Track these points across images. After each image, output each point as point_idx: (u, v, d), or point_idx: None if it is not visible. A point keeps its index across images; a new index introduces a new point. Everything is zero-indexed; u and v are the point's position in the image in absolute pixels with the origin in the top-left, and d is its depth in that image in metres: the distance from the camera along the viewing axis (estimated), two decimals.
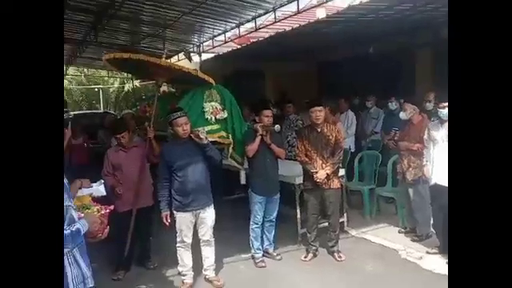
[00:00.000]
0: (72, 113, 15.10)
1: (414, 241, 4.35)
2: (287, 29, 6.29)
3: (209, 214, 3.50)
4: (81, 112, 16.61)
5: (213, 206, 3.55)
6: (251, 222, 4.01)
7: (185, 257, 3.54)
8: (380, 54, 7.67)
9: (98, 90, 21.10)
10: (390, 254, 4.11)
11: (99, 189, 2.16)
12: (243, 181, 4.48)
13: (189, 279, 3.56)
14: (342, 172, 4.52)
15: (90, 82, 20.80)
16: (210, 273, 3.64)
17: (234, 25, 7.22)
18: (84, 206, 2.02)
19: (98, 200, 2.15)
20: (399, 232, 4.68)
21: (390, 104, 6.10)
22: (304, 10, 5.66)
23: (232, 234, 4.47)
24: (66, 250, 1.79)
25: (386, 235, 4.62)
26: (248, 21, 6.86)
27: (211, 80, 3.92)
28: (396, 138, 4.74)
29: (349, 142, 6.14)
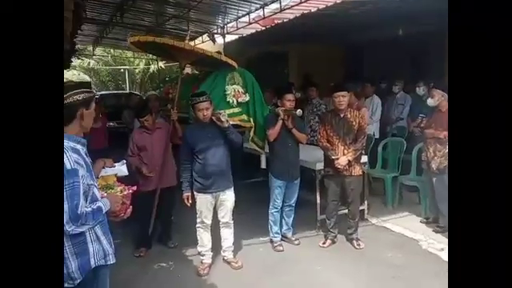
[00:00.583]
0: (98, 93, 15.43)
1: (436, 232, 4.26)
2: (313, 10, 6.11)
3: (228, 197, 3.53)
4: (107, 92, 16.93)
5: (233, 188, 3.57)
6: (270, 206, 4.02)
7: (204, 237, 3.60)
8: (409, 37, 7.37)
9: (124, 71, 21.40)
10: (410, 244, 4.05)
11: (121, 169, 2.19)
12: (264, 165, 4.49)
13: (207, 259, 3.63)
14: (364, 159, 4.44)
15: (116, 63, 21.08)
16: (228, 254, 3.70)
17: (258, 6, 7.09)
18: (108, 186, 2.07)
19: (121, 180, 2.19)
20: (421, 222, 4.59)
21: (417, 89, 5.92)
22: None
23: (251, 217, 4.51)
24: (87, 227, 1.84)
25: (407, 225, 4.54)
26: (273, 1, 6.72)
27: (234, 63, 3.90)
28: (422, 126, 4.60)
29: (373, 128, 6.01)
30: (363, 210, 4.66)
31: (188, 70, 5.86)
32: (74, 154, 1.82)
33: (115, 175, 2.14)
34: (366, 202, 4.74)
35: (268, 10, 7.03)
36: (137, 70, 20.88)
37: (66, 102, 1.86)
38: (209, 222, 3.56)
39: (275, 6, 6.60)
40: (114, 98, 13.83)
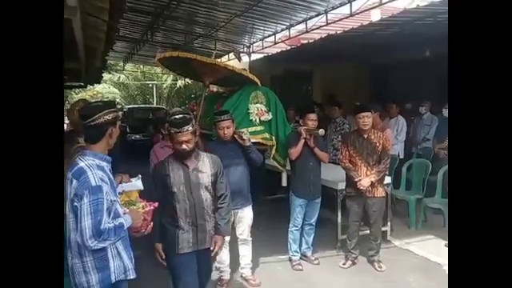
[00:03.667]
0: (127, 106, 15.86)
1: None
2: (339, 31, 6.18)
3: (246, 214, 3.56)
4: (135, 106, 17.40)
5: (251, 206, 3.59)
6: (291, 225, 4.01)
7: (223, 254, 3.61)
8: (437, 58, 7.29)
9: (152, 86, 22.06)
10: (434, 269, 3.93)
11: (137, 184, 2.26)
12: (285, 183, 4.50)
13: (226, 275, 3.64)
14: (387, 179, 4.38)
15: (145, 78, 21.79)
16: (246, 271, 3.70)
17: (284, 26, 7.23)
18: (130, 202, 2.13)
19: (143, 195, 2.26)
20: (446, 246, 4.45)
21: (444, 111, 5.81)
22: (357, 13, 5.54)
23: (271, 234, 4.50)
24: (108, 243, 1.90)
25: (431, 248, 4.41)
26: (299, 23, 6.84)
27: (257, 80, 3.96)
28: None
29: (398, 148, 5.94)
30: (386, 231, 4.57)
31: (213, 87, 5.99)
32: (99, 171, 1.89)
33: (138, 191, 2.21)
34: (389, 224, 4.66)
35: (294, 30, 7.14)
36: (164, 85, 21.46)
37: (96, 121, 1.94)
38: (227, 238, 3.59)
39: (301, 26, 6.71)
40: (141, 112, 14.17)
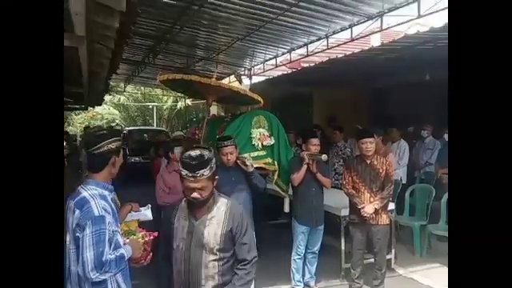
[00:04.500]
0: (127, 128, 15.83)
1: None
2: (340, 55, 6.24)
3: None
4: (135, 128, 17.37)
5: (254, 234, 3.50)
6: (293, 253, 3.92)
7: None
8: (437, 83, 7.33)
9: (153, 107, 22.16)
10: None
11: (146, 213, 2.21)
12: (287, 209, 4.42)
13: None
14: (391, 206, 4.31)
15: (145, 99, 21.91)
16: None
17: (285, 50, 7.31)
18: (130, 232, 2.07)
19: (144, 225, 2.20)
20: None
21: (446, 135, 5.79)
22: (357, 38, 5.59)
23: (273, 262, 4.38)
24: (109, 275, 1.84)
25: (436, 277, 4.29)
26: (300, 47, 6.92)
27: (259, 98, 3.95)
28: None
29: (400, 173, 5.88)
30: (390, 259, 4.46)
31: (214, 111, 6.00)
32: (101, 201, 1.85)
33: (138, 220, 2.15)
34: (393, 251, 4.55)
35: (295, 53, 7.21)
36: (164, 107, 21.55)
37: (100, 150, 1.91)
38: None
39: (302, 50, 6.78)
40: (141, 134, 14.09)
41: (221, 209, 1.99)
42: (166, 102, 21.13)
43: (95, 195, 1.85)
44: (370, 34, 5.56)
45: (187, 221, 1.97)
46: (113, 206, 1.94)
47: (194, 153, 1.90)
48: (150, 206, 2.27)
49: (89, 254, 1.75)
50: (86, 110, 16.26)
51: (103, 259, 1.77)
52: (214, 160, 1.93)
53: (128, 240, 2.02)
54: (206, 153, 1.92)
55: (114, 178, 2.01)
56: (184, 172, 1.88)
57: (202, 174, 1.86)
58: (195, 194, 1.88)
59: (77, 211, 1.81)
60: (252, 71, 9.43)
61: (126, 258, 1.92)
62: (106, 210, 1.84)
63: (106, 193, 1.93)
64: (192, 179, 1.86)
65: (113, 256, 1.83)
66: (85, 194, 1.86)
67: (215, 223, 1.95)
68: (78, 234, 1.79)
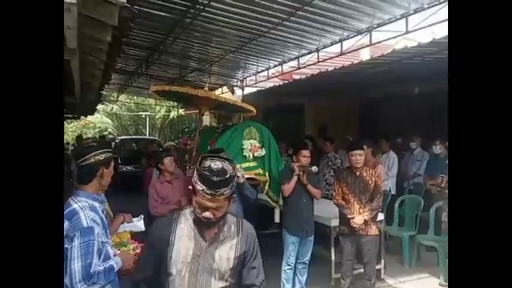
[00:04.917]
0: (119, 137, 15.77)
1: None
2: (330, 68, 6.36)
3: None
4: (127, 137, 17.30)
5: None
6: (283, 264, 3.94)
7: None
8: (426, 95, 7.50)
9: (145, 117, 22.14)
10: None
11: (138, 224, 2.23)
12: (277, 219, 4.47)
13: None
14: (380, 216, 4.37)
15: (138, 109, 21.88)
16: None
17: (277, 62, 7.43)
18: (121, 244, 2.09)
19: (135, 235, 2.22)
20: (440, 285, 4.39)
21: (434, 147, 5.90)
22: (347, 52, 5.72)
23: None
24: (97, 287, 1.83)
25: (425, 286, 4.36)
26: (291, 59, 7.04)
27: (251, 107, 4.03)
28: (443, 185, 4.51)
29: (389, 184, 5.95)
30: (379, 269, 4.51)
31: (207, 121, 6.06)
32: (91, 212, 1.86)
33: (130, 232, 2.17)
34: (382, 261, 4.60)
35: (286, 66, 7.33)
36: (157, 116, 21.54)
37: (87, 162, 1.93)
38: None
39: (294, 63, 6.89)
40: (133, 143, 14.06)
41: (231, 229, 1.72)
42: (158, 111, 21.14)
43: (85, 207, 1.86)
44: (360, 49, 5.69)
45: (193, 242, 1.64)
46: (103, 217, 1.95)
47: (216, 165, 1.57)
48: (142, 216, 2.29)
49: (77, 266, 1.75)
50: (79, 119, 16.18)
51: (91, 271, 1.77)
52: (235, 179, 1.64)
53: (119, 251, 2.03)
54: (230, 168, 1.59)
55: (105, 189, 2.02)
56: (201, 187, 1.55)
57: (222, 194, 1.56)
58: (207, 214, 1.58)
59: (66, 222, 1.81)
60: (244, 82, 9.53)
61: (116, 270, 1.92)
62: (95, 221, 1.85)
63: (97, 204, 1.94)
64: (209, 197, 1.55)
65: (101, 267, 1.83)
66: (75, 205, 1.87)
67: (228, 245, 1.67)
68: (66, 246, 1.79)
